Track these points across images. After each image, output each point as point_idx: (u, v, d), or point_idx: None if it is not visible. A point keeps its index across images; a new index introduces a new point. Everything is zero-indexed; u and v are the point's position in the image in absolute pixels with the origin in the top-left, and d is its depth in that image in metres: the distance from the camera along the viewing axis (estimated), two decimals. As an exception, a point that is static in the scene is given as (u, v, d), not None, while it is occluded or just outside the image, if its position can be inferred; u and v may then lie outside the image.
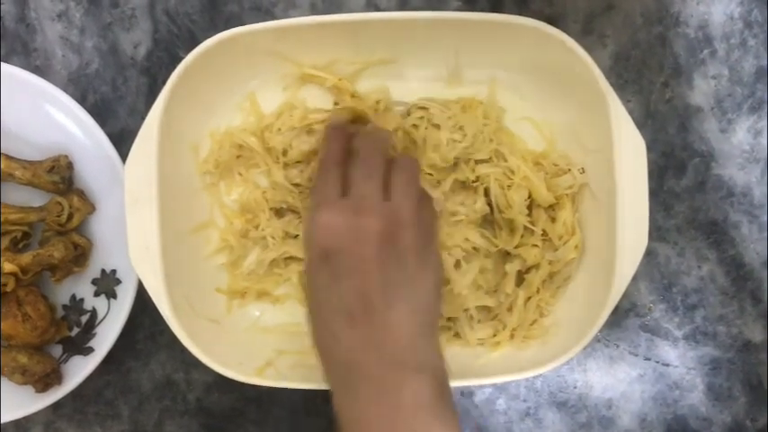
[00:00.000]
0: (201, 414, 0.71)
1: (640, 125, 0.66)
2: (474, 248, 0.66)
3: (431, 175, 0.66)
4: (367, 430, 0.48)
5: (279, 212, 0.67)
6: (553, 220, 0.66)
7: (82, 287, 0.68)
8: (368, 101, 0.66)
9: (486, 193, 0.66)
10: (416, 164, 0.58)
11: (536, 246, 0.65)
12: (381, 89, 0.67)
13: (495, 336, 0.65)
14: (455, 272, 0.65)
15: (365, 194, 0.53)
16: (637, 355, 0.71)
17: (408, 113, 0.66)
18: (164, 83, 0.59)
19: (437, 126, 0.65)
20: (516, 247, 0.65)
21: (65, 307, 0.68)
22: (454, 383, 0.63)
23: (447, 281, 0.65)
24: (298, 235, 0.67)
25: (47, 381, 0.66)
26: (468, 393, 0.71)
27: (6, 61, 0.67)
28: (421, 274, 0.52)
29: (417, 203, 0.54)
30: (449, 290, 0.65)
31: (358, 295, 0.50)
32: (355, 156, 0.57)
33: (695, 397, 0.71)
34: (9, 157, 0.66)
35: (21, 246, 0.67)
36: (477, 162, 0.66)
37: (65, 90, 0.67)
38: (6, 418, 0.66)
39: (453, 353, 0.66)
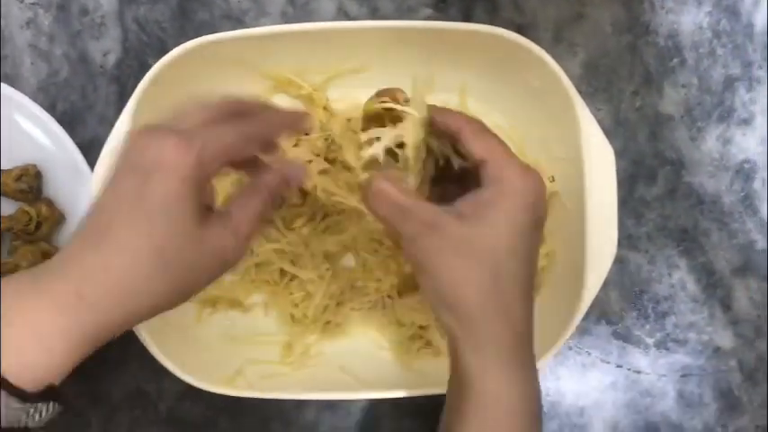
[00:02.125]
0: (173, 424, 0.71)
1: (610, 133, 0.66)
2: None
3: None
4: None
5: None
6: (523, 228, 0.66)
7: (51, 297, 0.68)
8: (339, 116, 0.66)
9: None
10: None
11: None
12: (355, 107, 0.67)
13: (466, 344, 0.65)
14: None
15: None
16: (608, 363, 0.71)
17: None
18: (133, 91, 0.59)
19: (408, 134, 0.65)
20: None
21: (34, 317, 0.68)
22: (429, 391, 0.64)
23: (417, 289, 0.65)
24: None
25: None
26: (442, 402, 0.71)
27: (-26, 69, 0.67)
28: None
29: None
30: (420, 299, 0.65)
31: (535, 270, 0.50)
32: None
33: (666, 404, 0.71)
34: (-24, 166, 0.65)
35: (-12, 255, 0.66)
36: (447, 170, 0.66)
37: (34, 98, 0.66)
38: (-26, 429, 0.66)
39: (425, 362, 0.66)
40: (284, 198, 0.54)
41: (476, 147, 0.49)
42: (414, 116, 0.50)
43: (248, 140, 0.48)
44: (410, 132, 0.50)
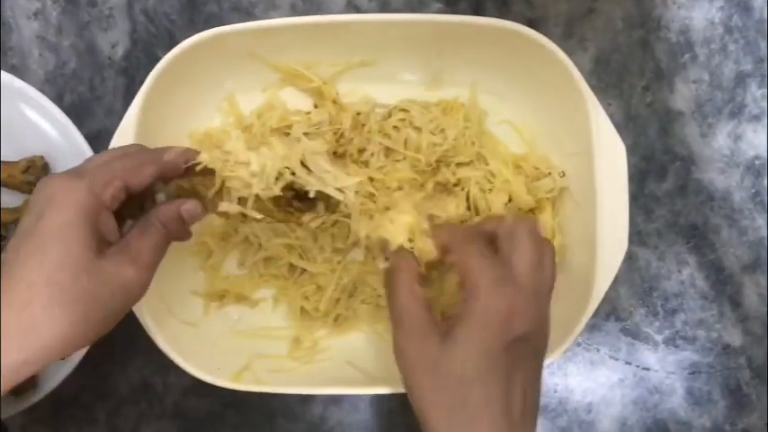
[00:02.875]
0: (179, 418, 0.70)
1: (621, 129, 0.66)
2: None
3: (414, 179, 0.65)
4: None
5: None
6: (533, 223, 0.65)
7: (58, 290, 0.67)
8: (349, 110, 0.66)
9: (468, 196, 0.65)
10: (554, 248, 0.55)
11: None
12: (365, 100, 0.66)
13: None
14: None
15: (536, 278, 0.49)
16: (617, 360, 0.71)
17: (389, 115, 0.66)
18: (142, 83, 0.59)
19: (418, 129, 0.65)
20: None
21: (40, 310, 0.67)
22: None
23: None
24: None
25: (22, 385, 0.64)
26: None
27: (-19, 60, 0.67)
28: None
29: None
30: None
31: (522, 388, 0.48)
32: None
33: (675, 401, 0.71)
34: (-17, 158, 0.65)
35: (-5, 247, 0.66)
36: (458, 165, 0.66)
37: (41, 90, 0.66)
38: (-21, 422, 0.66)
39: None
40: (187, 232, 0.54)
41: (455, 259, 0.50)
42: None
43: (137, 167, 0.48)
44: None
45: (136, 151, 0.51)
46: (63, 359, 0.65)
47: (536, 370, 0.49)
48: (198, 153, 0.52)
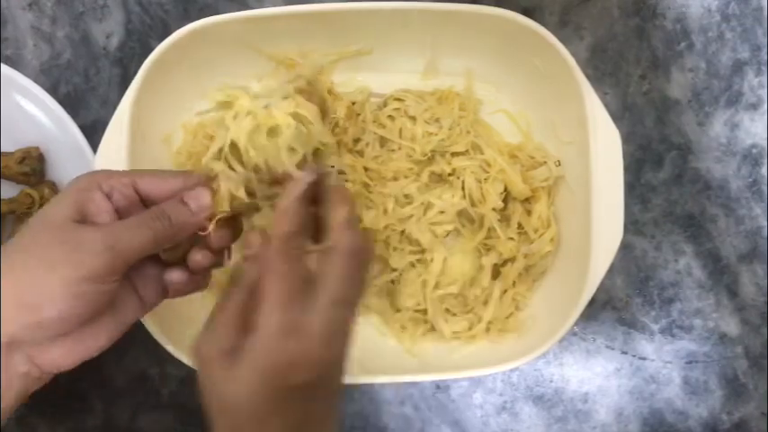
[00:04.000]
0: (175, 409, 0.70)
1: (617, 118, 0.66)
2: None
3: (410, 169, 0.65)
4: None
5: (255, 208, 0.67)
6: (529, 213, 0.65)
7: (53, 280, 0.67)
8: (344, 100, 0.66)
9: (464, 186, 0.65)
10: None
11: (512, 239, 0.65)
12: (360, 90, 0.66)
13: (470, 329, 0.65)
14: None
15: (336, 320, 0.45)
16: (613, 349, 0.71)
17: (385, 104, 0.66)
18: (136, 74, 0.59)
19: (413, 118, 0.65)
20: (486, 242, 0.65)
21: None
22: (431, 377, 0.64)
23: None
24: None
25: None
26: (444, 387, 0.71)
27: (-24, 51, 0.66)
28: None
29: None
30: (421, 281, 0.64)
31: (306, 415, 0.45)
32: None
33: (671, 391, 0.71)
34: (-22, 149, 0.65)
35: (-9, 238, 0.66)
36: (453, 155, 0.65)
37: (36, 80, 0.66)
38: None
39: (429, 347, 0.66)
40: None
41: (260, 287, 0.44)
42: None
43: (155, 174, 0.48)
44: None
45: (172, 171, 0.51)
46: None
47: (322, 403, 0.46)
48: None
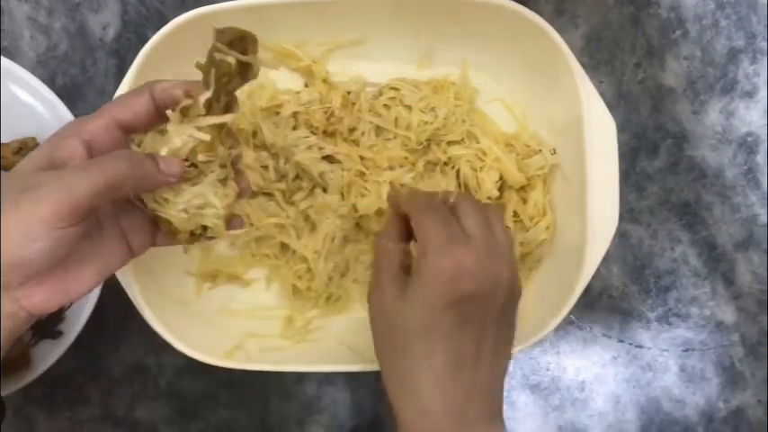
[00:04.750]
0: (173, 398, 0.71)
1: (613, 106, 0.66)
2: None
3: (405, 158, 0.65)
4: None
5: (251, 194, 0.67)
6: (524, 201, 0.65)
7: (51, 271, 0.68)
8: (339, 89, 0.66)
9: (459, 175, 0.65)
10: (503, 209, 0.58)
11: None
12: (356, 79, 0.66)
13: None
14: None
15: (489, 240, 0.50)
16: (610, 337, 0.71)
17: (380, 94, 0.66)
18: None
19: (408, 107, 0.65)
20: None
21: (34, 291, 0.68)
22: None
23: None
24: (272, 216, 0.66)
25: (15, 365, 0.65)
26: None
27: (-28, 42, 0.67)
28: (514, 325, 0.53)
29: None
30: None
31: (475, 344, 0.48)
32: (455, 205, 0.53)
33: (668, 379, 0.71)
34: (-25, 139, 0.65)
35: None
36: (449, 143, 0.66)
37: (33, 72, 0.66)
38: (-26, 402, 0.66)
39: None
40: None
41: (413, 224, 0.51)
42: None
43: (127, 99, 0.47)
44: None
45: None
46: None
47: (493, 328, 0.49)
48: (203, 88, 0.46)
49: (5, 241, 0.41)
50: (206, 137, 0.46)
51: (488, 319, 0.49)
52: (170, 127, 0.46)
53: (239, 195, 0.51)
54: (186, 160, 0.47)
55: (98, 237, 0.47)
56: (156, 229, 0.50)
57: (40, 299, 0.44)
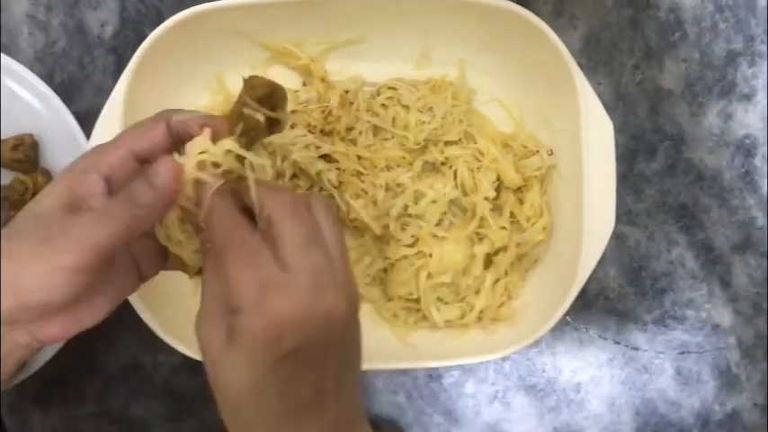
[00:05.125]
0: (168, 396, 0.71)
1: (611, 108, 0.66)
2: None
3: (403, 157, 0.65)
4: None
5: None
6: (521, 202, 0.65)
7: (47, 267, 0.67)
8: (337, 88, 0.66)
9: (456, 175, 0.65)
10: (331, 203, 0.49)
11: (504, 228, 0.65)
12: (353, 79, 0.66)
13: (462, 318, 0.65)
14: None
15: (314, 265, 0.41)
16: (606, 339, 0.71)
17: (378, 93, 0.66)
18: (130, 61, 0.59)
19: (406, 107, 0.65)
20: (478, 231, 0.65)
21: (30, 287, 0.68)
22: (423, 365, 0.63)
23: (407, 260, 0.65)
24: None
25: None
26: (436, 376, 0.71)
27: (-30, 38, 0.67)
28: (358, 345, 0.46)
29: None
30: (414, 269, 0.64)
31: (314, 388, 0.43)
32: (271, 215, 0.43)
33: (664, 381, 0.71)
34: (-28, 135, 0.65)
35: (-16, 225, 0.66)
36: (446, 144, 0.66)
37: (31, 68, 0.66)
38: (-31, 399, 0.66)
39: (421, 336, 0.66)
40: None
41: (219, 271, 0.42)
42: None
43: (141, 128, 0.45)
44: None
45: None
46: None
47: (332, 364, 0.43)
48: (222, 122, 0.45)
49: (21, 285, 0.40)
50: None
51: (324, 359, 0.43)
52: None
53: None
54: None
55: (111, 268, 0.46)
56: (167, 256, 0.49)
57: (54, 331, 0.43)
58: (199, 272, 0.48)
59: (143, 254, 0.48)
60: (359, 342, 0.46)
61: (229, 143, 0.44)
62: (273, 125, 0.46)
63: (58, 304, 0.42)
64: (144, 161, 0.45)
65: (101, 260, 0.41)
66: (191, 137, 0.44)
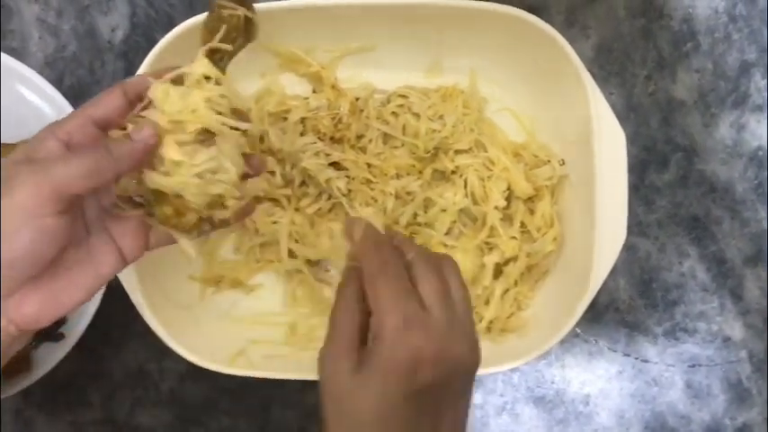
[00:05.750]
0: (174, 404, 0.70)
1: (623, 118, 0.65)
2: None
3: (413, 166, 0.65)
4: None
5: (256, 200, 0.67)
6: (532, 212, 0.65)
7: (54, 273, 0.67)
8: (348, 95, 0.65)
9: (466, 184, 0.65)
10: (457, 266, 0.51)
11: (514, 238, 0.64)
12: (364, 86, 0.66)
13: (471, 328, 0.64)
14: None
15: (449, 315, 0.45)
16: (615, 351, 0.70)
17: (388, 101, 0.66)
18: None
19: (416, 115, 0.65)
20: (488, 241, 0.64)
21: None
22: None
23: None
24: (275, 222, 0.66)
25: (16, 367, 0.64)
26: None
27: (-19, 42, 0.67)
28: (471, 396, 0.49)
29: None
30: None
31: (433, 427, 0.45)
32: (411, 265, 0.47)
33: (674, 394, 0.70)
34: (-19, 139, 0.65)
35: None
36: (456, 152, 0.65)
37: (41, 73, 0.66)
38: (-26, 404, 0.66)
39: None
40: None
41: (368, 293, 0.45)
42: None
43: (99, 97, 0.46)
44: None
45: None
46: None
47: (450, 411, 0.46)
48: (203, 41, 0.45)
49: None
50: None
51: (446, 404, 0.45)
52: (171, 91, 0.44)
53: (256, 172, 0.50)
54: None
55: (86, 242, 0.45)
56: (148, 231, 0.48)
57: (30, 310, 0.42)
58: (196, 224, 0.47)
59: (121, 230, 0.47)
60: (472, 394, 0.48)
61: (204, 63, 0.45)
62: (250, 27, 0.47)
63: (23, 261, 0.40)
64: (103, 127, 0.45)
65: (60, 200, 0.40)
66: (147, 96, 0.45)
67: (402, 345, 0.43)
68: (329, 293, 0.66)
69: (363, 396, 0.43)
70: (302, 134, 0.65)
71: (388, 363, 0.42)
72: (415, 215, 0.64)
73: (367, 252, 0.47)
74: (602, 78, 0.69)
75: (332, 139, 0.65)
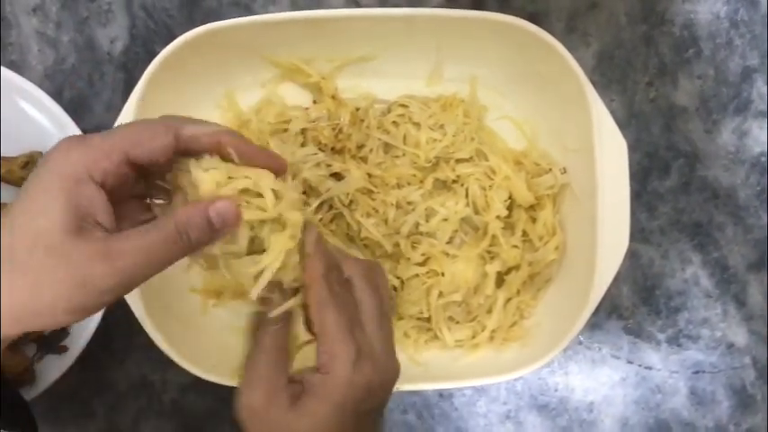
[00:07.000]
0: (177, 415, 0.70)
1: (624, 125, 0.65)
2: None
3: (414, 175, 0.65)
4: None
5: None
6: (534, 220, 0.65)
7: (56, 285, 0.67)
8: (348, 105, 0.65)
9: (468, 193, 0.65)
10: (385, 273, 0.51)
11: (516, 247, 0.64)
12: (364, 96, 0.66)
13: (473, 337, 0.64)
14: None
15: (386, 339, 0.47)
16: (619, 358, 0.70)
17: (389, 111, 0.66)
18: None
19: (417, 124, 0.65)
20: (490, 250, 0.64)
21: (39, 305, 0.67)
22: (434, 385, 0.63)
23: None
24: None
25: (20, 379, 0.64)
26: (447, 395, 0.70)
27: (-20, 56, 0.67)
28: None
29: None
30: (425, 288, 0.64)
31: None
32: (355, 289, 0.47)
33: (678, 401, 0.70)
34: (-18, 153, 0.65)
35: (-6, 243, 0.66)
36: (458, 161, 0.65)
37: (40, 85, 0.66)
38: (-22, 417, 0.65)
39: (432, 355, 0.65)
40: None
41: (314, 317, 0.45)
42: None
43: (147, 137, 0.40)
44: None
45: (157, 119, 0.42)
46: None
47: (381, 423, 0.49)
48: (241, 139, 0.42)
49: (30, 310, 0.38)
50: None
51: (378, 419, 0.48)
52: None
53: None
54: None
55: None
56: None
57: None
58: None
59: None
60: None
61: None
62: None
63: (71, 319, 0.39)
64: (138, 169, 0.41)
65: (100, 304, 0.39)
66: (199, 152, 0.41)
67: (357, 376, 0.43)
68: None
69: (308, 422, 0.43)
70: (303, 145, 0.64)
71: (342, 395, 0.43)
72: (417, 225, 0.64)
73: (317, 279, 0.45)
74: (603, 85, 0.69)
75: (333, 149, 0.65)
